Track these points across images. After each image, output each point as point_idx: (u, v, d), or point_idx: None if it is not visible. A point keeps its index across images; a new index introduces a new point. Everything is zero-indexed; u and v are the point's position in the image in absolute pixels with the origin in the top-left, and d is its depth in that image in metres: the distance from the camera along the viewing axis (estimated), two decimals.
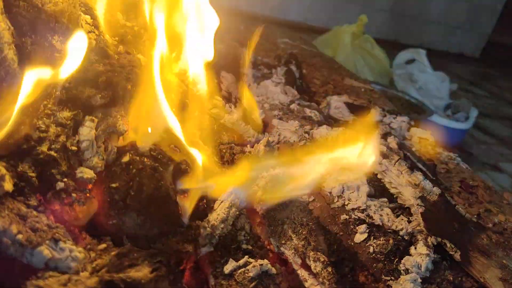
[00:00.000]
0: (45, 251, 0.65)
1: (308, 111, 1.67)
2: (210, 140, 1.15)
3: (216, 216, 0.93)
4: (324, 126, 1.41)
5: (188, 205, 0.89)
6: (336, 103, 1.82)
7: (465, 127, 3.48)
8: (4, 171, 0.69)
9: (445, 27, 6.73)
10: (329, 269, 0.90)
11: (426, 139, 1.65)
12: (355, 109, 1.81)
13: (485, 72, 5.95)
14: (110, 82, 0.89)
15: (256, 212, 1.11)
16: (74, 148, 0.82)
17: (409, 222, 1.06)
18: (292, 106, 1.70)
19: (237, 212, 0.97)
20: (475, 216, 1.20)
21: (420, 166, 1.31)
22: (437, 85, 3.69)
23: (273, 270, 0.90)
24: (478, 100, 4.62)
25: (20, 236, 0.64)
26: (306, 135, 1.41)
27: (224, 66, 1.73)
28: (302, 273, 0.94)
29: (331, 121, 1.63)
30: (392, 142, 1.34)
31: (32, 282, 0.61)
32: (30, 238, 0.65)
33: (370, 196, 1.15)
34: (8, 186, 0.69)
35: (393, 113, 1.80)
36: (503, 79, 5.69)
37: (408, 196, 1.08)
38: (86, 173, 0.82)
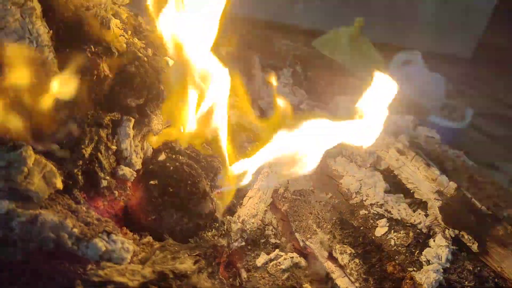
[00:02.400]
0: (99, 243, 0.68)
1: (318, 111, 1.71)
2: (231, 139, 1.19)
3: (246, 211, 0.97)
4: None
5: (221, 201, 0.92)
6: (344, 103, 1.87)
7: (461, 127, 3.55)
8: (55, 169, 0.72)
9: (436, 29, 6.80)
10: (357, 260, 0.95)
11: (432, 137, 1.70)
12: None
13: (478, 73, 6.04)
14: (144, 84, 0.93)
15: (278, 209, 1.15)
16: (114, 147, 0.86)
17: (426, 216, 1.11)
18: (302, 106, 1.75)
19: (265, 208, 1.01)
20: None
21: (430, 163, 1.36)
22: (433, 85, 3.76)
23: (303, 263, 0.94)
24: (472, 101, 4.69)
25: (75, 230, 0.68)
26: None
27: (236, 68, 1.76)
28: (329, 265, 0.98)
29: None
30: (403, 140, 1.39)
31: (92, 272, 0.64)
32: (84, 231, 0.69)
33: (386, 192, 1.20)
34: (60, 184, 0.72)
35: (399, 112, 1.85)
36: (496, 79, 5.78)
37: (425, 190, 1.12)
38: (126, 171, 0.85)
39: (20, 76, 0.80)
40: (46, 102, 0.82)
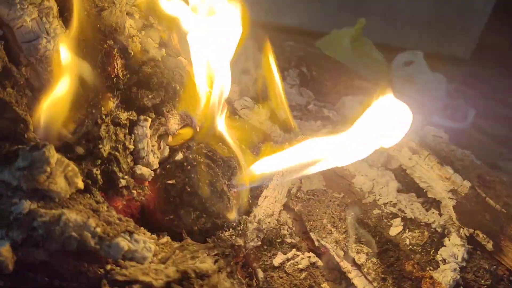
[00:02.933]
0: (122, 242, 0.68)
1: (326, 111, 1.71)
2: (243, 139, 1.18)
3: (262, 211, 0.97)
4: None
5: (238, 200, 0.92)
6: (351, 103, 1.87)
7: (463, 127, 3.56)
8: (76, 169, 0.72)
9: (435, 30, 6.81)
10: (374, 259, 0.94)
11: (440, 136, 1.71)
12: None
13: (477, 73, 6.05)
14: (161, 83, 0.92)
15: (291, 209, 1.15)
16: (131, 146, 0.85)
17: (440, 215, 1.11)
18: (310, 107, 1.75)
19: (281, 208, 1.01)
20: None
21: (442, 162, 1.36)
22: (435, 86, 3.76)
23: (320, 262, 0.94)
24: (472, 101, 4.69)
25: (98, 229, 0.67)
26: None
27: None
28: (345, 265, 0.98)
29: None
30: (414, 139, 1.38)
31: (117, 271, 0.64)
32: (106, 231, 0.68)
33: (398, 191, 1.19)
34: (81, 183, 0.72)
35: None
36: (495, 80, 5.79)
37: (439, 189, 1.12)
38: (144, 170, 0.85)
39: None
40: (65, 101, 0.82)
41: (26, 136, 0.78)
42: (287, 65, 2.25)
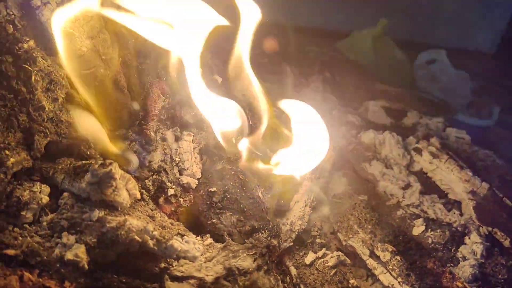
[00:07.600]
0: (176, 244, 0.79)
1: (350, 116, 1.80)
2: (275, 147, 1.28)
3: (293, 214, 1.06)
4: (371, 130, 1.53)
5: (272, 204, 1.02)
6: (374, 108, 1.95)
7: (488, 124, 3.56)
8: (135, 182, 0.83)
9: (459, 25, 6.72)
10: (398, 257, 1.03)
11: (462, 138, 1.76)
12: (392, 113, 1.94)
13: (502, 68, 5.97)
14: None
15: (319, 211, 1.24)
16: (177, 159, 0.96)
17: (461, 215, 1.18)
18: (334, 112, 1.83)
19: (311, 211, 1.10)
20: None
21: (463, 165, 1.42)
22: (459, 83, 3.77)
23: (348, 261, 1.03)
24: (497, 97, 4.64)
25: (155, 233, 0.78)
26: (353, 139, 1.54)
27: (268, 77, 1.86)
28: (371, 262, 1.07)
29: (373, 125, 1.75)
30: (436, 142, 1.45)
31: (175, 268, 0.74)
32: (162, 234, 0.79)
33: (421, 193, 1.27)
34: (138, 194, 0.83)
35: (428, 114, 1.92)
36: None
37: (459, 191, 1.19)
38: (190, 180, 0.96)
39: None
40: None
41: (88, 153, 0.90)
42: (310, 71, 2.34)
